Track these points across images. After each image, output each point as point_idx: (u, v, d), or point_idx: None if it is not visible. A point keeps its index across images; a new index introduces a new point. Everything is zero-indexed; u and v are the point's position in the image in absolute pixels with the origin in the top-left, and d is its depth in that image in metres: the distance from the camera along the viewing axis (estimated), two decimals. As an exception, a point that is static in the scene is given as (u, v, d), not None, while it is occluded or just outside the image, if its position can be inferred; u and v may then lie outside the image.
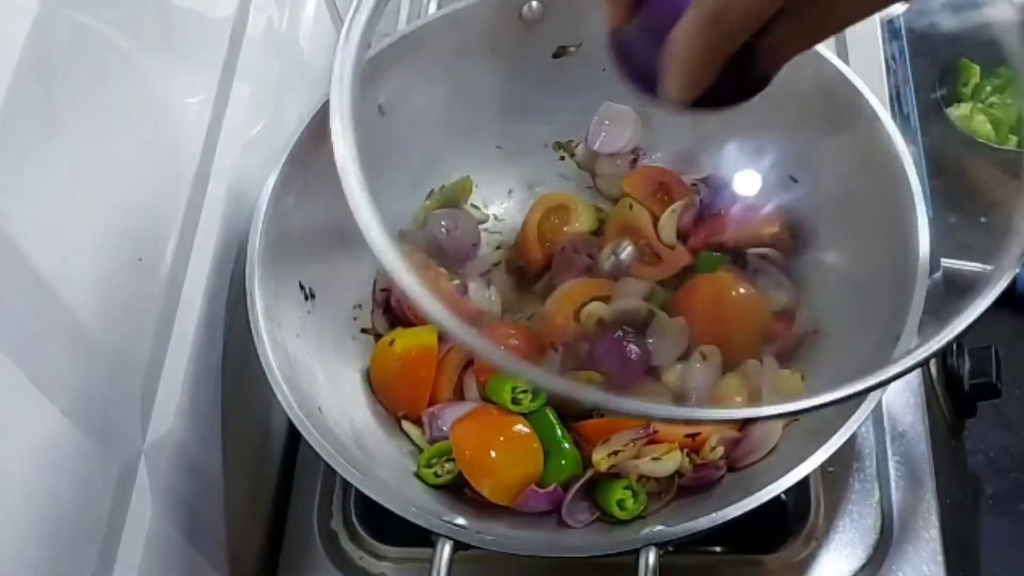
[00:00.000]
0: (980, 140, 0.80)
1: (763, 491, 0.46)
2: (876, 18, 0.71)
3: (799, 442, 0.49)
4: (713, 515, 0.46)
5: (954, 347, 0.61)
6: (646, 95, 0.38)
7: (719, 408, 0.47)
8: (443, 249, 0.60)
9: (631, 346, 0.54)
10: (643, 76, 0.38)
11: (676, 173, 0.61)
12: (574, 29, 0.59)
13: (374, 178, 0.58)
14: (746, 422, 0.48)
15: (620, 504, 0.51)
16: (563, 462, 0.52)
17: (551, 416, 0.53)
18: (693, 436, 0.52)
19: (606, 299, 0.56)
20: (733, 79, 0.35)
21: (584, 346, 0.55)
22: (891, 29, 0.72)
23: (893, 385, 0.49)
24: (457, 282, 0.60)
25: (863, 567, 0.53)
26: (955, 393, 0.60)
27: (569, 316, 0.56)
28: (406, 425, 0.55)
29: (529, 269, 0.61)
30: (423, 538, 0.47)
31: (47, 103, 0.39)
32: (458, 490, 0.53)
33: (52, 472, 0.39)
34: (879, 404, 0.55)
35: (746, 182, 0.58)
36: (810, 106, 0.55)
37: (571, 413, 0.53)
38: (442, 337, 0.55)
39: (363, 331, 0.58)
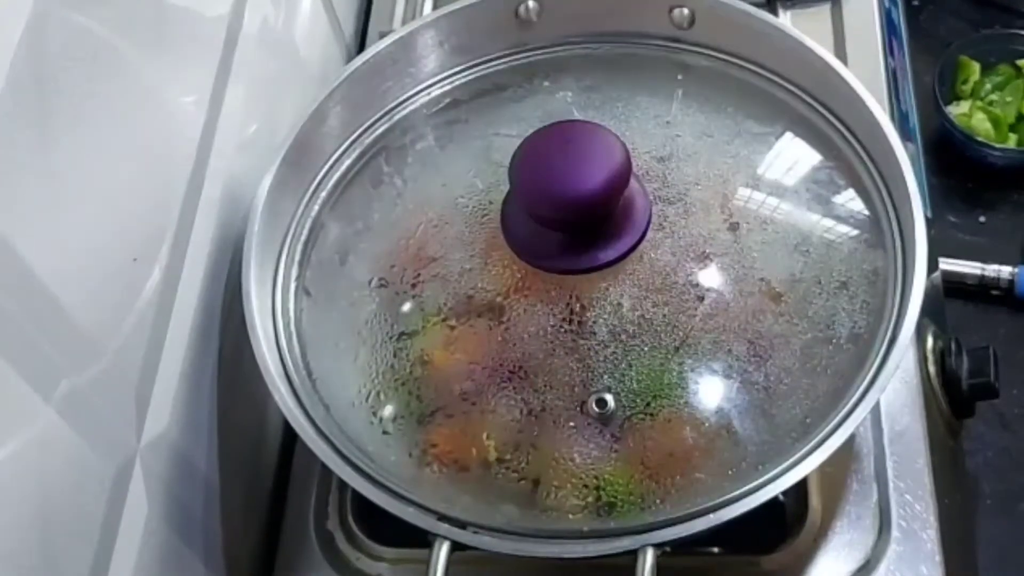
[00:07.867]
0: (979, 139, 0.80)
1: (761, 491, 0.46)
2: (875, 16, 0.71)
3: (797, 443, 0.49)
4: (711, 515, 0.46)
5: (952, 347, 0.61)
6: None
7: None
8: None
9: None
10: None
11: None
12: (571, 28, 0.59)
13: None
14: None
15: (620, 503, 0.51)
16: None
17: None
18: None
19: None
20: None
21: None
22: (890, 26, 0.72)
23: (891, 385, 0.49)
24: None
25: (861, 568, 0.53)
26: (953, 393, 0.60)
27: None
28: (405, 425, 0.55)
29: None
30: (420, 539, 0.47)
31: (41, 103, 0.39)
32: (456, 490, 0.53)
33: (47, 474, 0.39)
34: (877, 405, 0.55)
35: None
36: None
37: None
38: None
39: (360, 331, 0.58)
